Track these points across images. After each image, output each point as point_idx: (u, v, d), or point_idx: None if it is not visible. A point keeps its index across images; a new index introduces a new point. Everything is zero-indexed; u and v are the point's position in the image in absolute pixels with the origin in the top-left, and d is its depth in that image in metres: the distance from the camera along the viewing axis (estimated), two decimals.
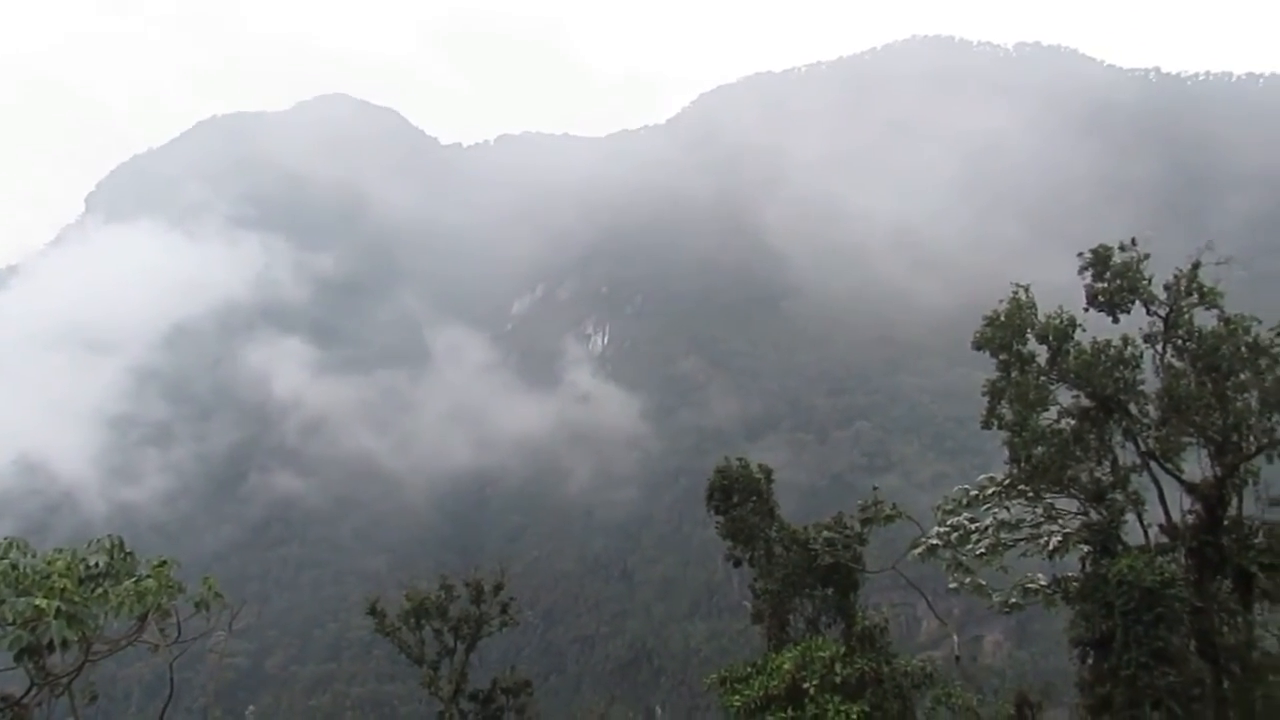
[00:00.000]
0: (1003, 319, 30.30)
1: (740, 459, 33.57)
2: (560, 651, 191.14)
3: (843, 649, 26.89)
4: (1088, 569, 28.61)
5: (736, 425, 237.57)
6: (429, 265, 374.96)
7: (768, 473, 33.17)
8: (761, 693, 25.66)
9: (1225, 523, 27.89)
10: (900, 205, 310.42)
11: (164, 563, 11.92)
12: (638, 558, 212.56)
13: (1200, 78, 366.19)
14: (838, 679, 25.27)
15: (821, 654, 26.07)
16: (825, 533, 30.71)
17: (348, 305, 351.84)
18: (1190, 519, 28.42)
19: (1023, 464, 29.81)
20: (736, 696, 26.10)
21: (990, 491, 31.82)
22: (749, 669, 27.44)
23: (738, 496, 32.36)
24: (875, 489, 33.62)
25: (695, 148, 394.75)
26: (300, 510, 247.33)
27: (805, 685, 25.11)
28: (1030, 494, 30.85)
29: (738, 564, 32.89)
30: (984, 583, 32.28)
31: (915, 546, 32.32)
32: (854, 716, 24.38)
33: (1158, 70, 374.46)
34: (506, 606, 37.77)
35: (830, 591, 30.19)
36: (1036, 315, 30.18)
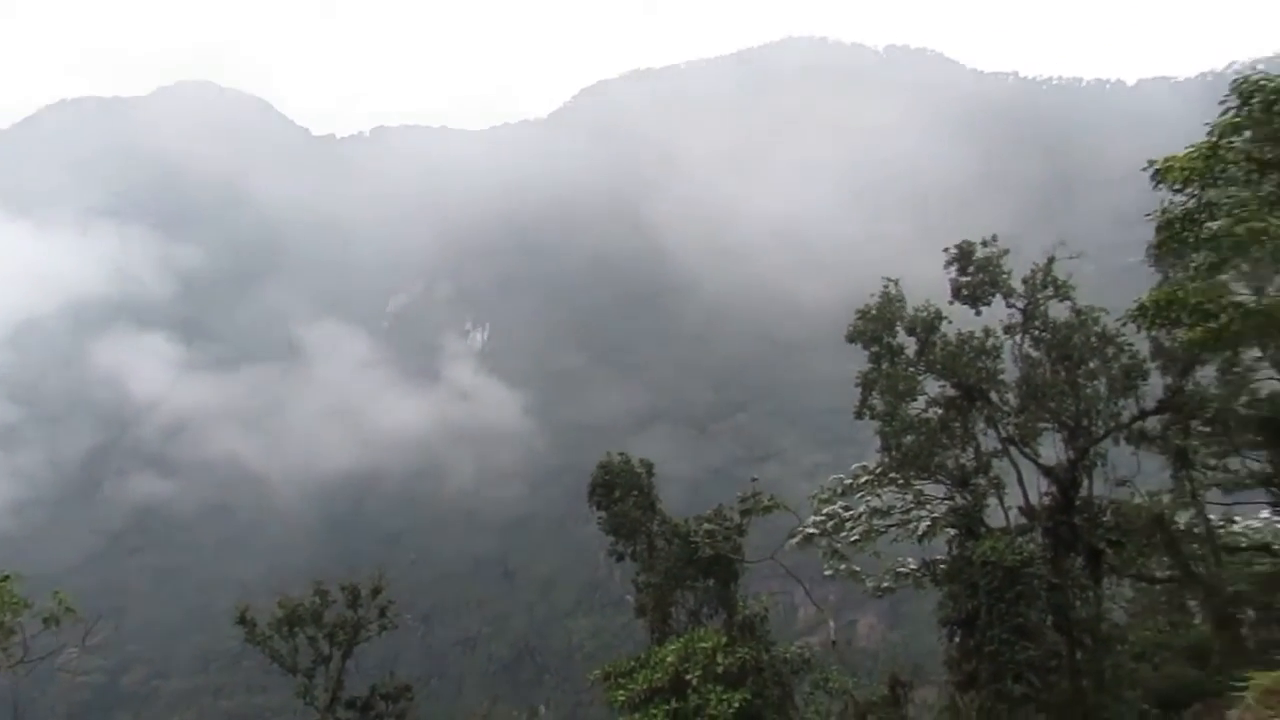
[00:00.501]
0: (874, 312, 31.26)
1: (622, 454, 33.65)
2: (442, 654, 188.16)
3: (724, 639, 27.28)
4: (954, 552, 29.82)
5: (620, 420, 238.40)
6: (304, 259, 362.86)
7: (649, 467, 33.35)
8: (645, 686, 25.80)
9: (1078, 503, 29.50)
10: (786, 201, 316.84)
11: (5, 578, 11.16)
12: (520, 556, 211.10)
13: (1055, 82, 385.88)
14: (720, 669, 25.62)
15: (704, 645, 26.38)
16: (706, 525, 31.08)
17: (216, 301, 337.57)
18: (1046, 500, 29.96)
19: (893, 452, 30.82)
20: (620, 691, 26.18)
21: (863, 480, 32.84)
22: (633, 663, 27.55)
23: (620, 491, 32.43)
24: (754, 480, 34.20)
25: (582, 142, 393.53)
26: (162, 517, 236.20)
27: (688, 677, 25.38)
28: (901, 481, 31.95)
29: (620, 559, 32.97)
30: (858, 568, 33.31)
31: (793, 536, 33.11)
32: (736, 705, 24.77)
33: (1016, 74, 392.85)
34: (385, 610, 36.87)
35: (711, 583, 30.57)
36: (906, 308, 31.24)
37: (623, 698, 26.00)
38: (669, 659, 26.14)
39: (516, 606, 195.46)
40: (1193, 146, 13.85)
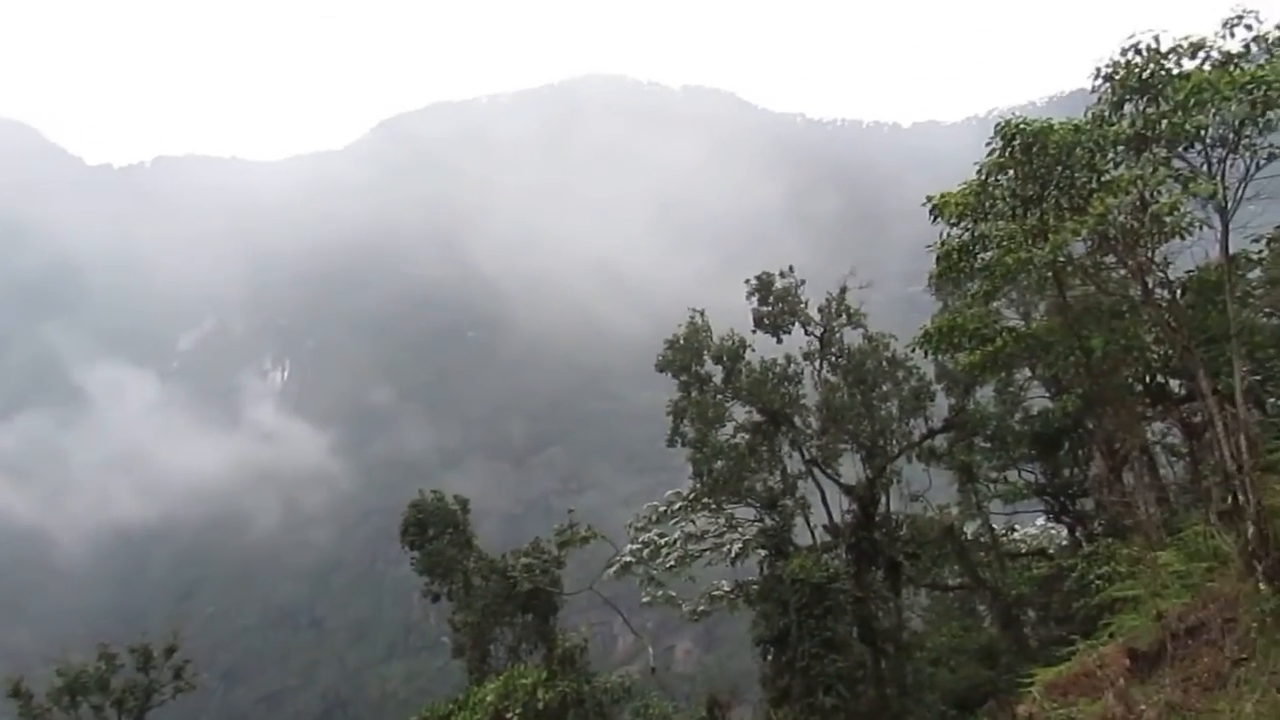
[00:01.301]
0: (681, 342, 32.05)
1: (435, 491, 32.90)
2: (244, 713, 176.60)
3: (544, 674, 26.97)
4: (765, 572, 30.73)
5: (433, 456, 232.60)
6: (80, 299, 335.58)
7: (464, 503, 32.72)
8: None
9: (877, 519, 31.11)
10: (598, 234, 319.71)
11: None
12: (328, 603, 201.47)
13: (839, 123, 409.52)
14: (540, 705, 25.30)
15: (524, 681, 25.99)
16: (524, 559, 30.73)
17: None
18: (848, 518, 31.44)
19: (705, 478, 31.55)
20: None
21: (677, 506, 33.42)
22: (451, 706, 26.81)
23: (434, 529, 31.65)
24: (571, 512, 34.17)
25: (388, 174, 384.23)
26: None
27: (508, 715, 24.92)
28: (713, 506, 32.72)
29: (436, 599, 32.12)
30: (674, 594, 33.78)
31: (610, 565, 33.24)
32: None
33: (804, 115, 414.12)
34: (180, 670, 34.34)
35: (530, 618, 30.21)
36: (712, 338, 32.19)
37: None
38: (488, 699, 25.60)
39: (326, 656, 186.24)
40: (964, 184, 15.04)
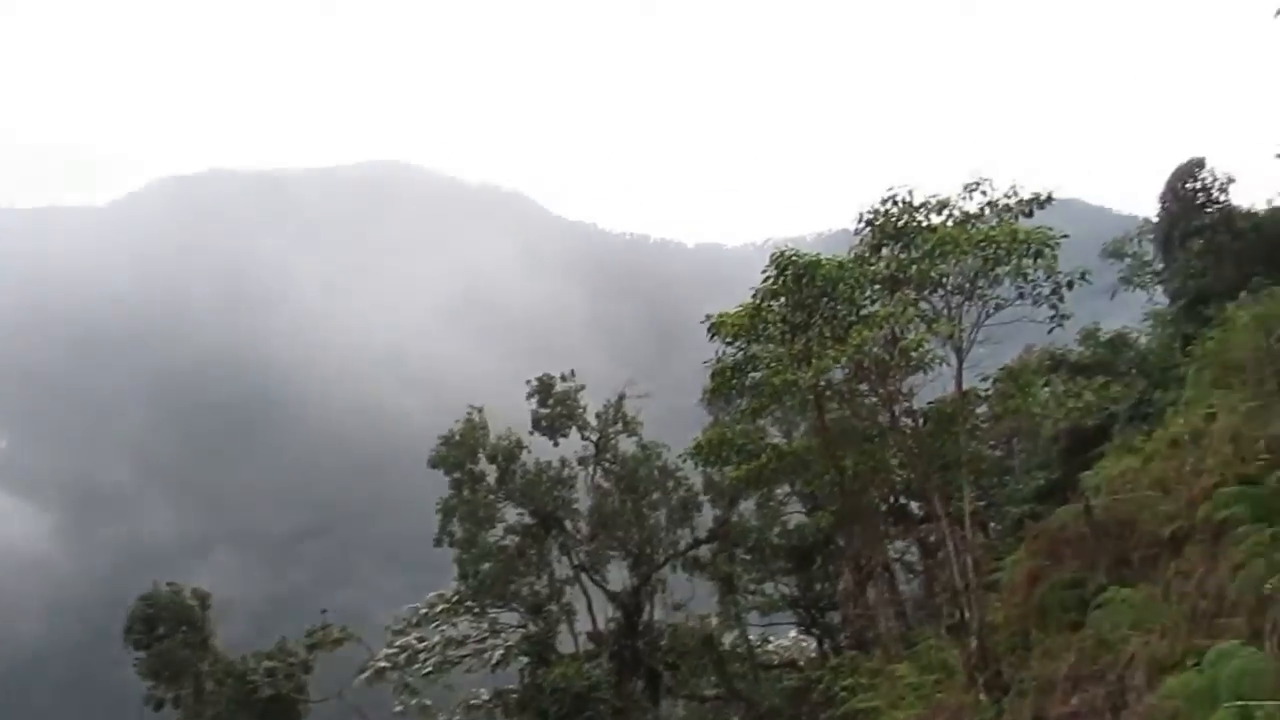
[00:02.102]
0: (457, 439, 31.65)
1: (171, 583, 30.35)
2: None
3: None
4: (526, 680, 30.16)
5: (173, 544, 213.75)
6: None
7: (203, 598, 30.32)
8: None
9: (640, 628, 31.35)
10: (396, 324, 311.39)
11: None
12: (27, 712, 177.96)
13: (628, 237, 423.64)
14: None
15: None
16: (267, 662, 28.69)
17: None
18: (613, 626, 31.52)
19: (471, 579, 30.89)
20: None
21: (439, 609, 32.38)
22: None
23: (165, 626, 29.05)
24: (324, 612, 32.40)
25: (155, 236, 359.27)
26: None
27: None
28: (477, 609, 31.98)
29: (159, 705, 29.19)
30: (429, 702, 32.36)
31: (364, 671, 31.53)
32: None
33: (596, 225, 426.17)
34: None
35: None
36: (489, 436, 32.00)
37: None
38: None
39: None
40: (740, 306, 16.06)
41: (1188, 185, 25.85)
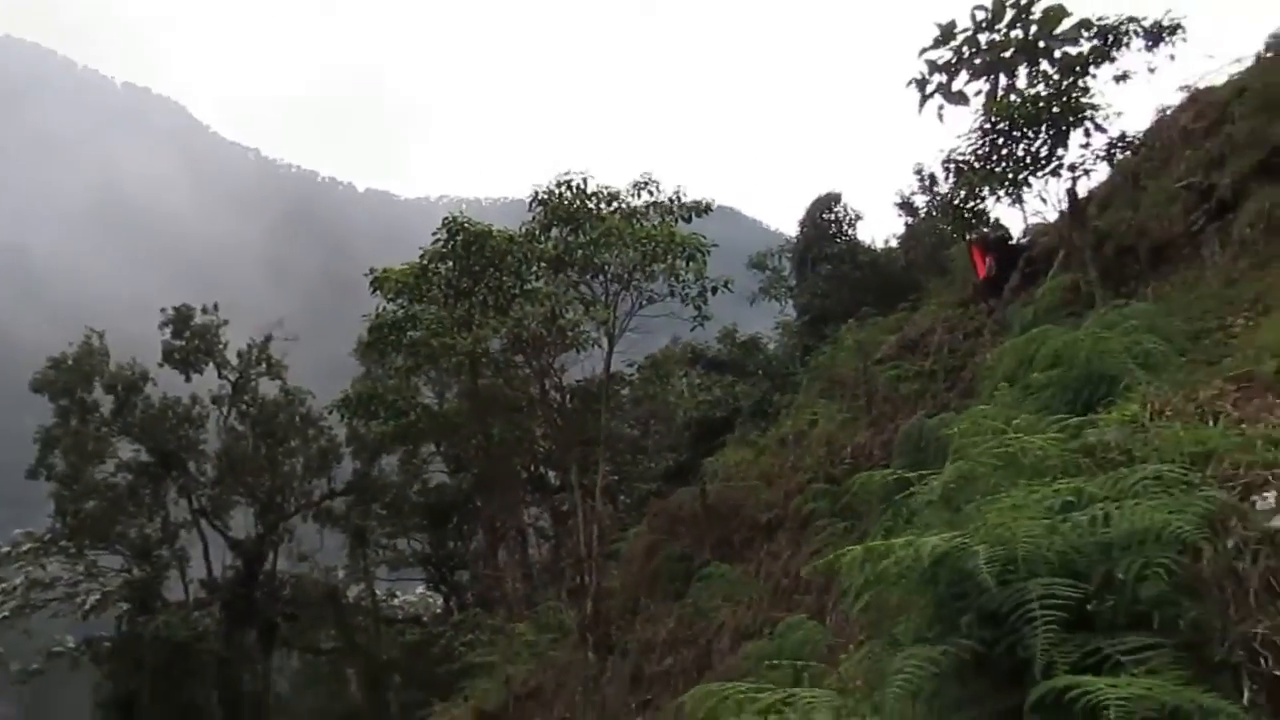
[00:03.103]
0: (70, 363, 28.60)
1: None
2: None
3: None
4: (124, 628, 28.01)
5: None
6: None
7: None
8: None
9: (260, 577, 30.13)
10: (16, 226, 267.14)
11: None
12: None
13: (294, 170, 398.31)
14: None
15: None
16: None
17: None
18: (230, 574, 30.03)
19: (70, 518, 28.14)
20: None
21: (26, 548, 29.05)
22: None
23: None
24: None
25: None
26: None
27: None
28: (73, 550, 29.12)
29: None
30: (2, 649, 29.00)
31: None
32: None
33: (257, 151, 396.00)
34: None
35: None
36: (109, 364, 29.17)
37: None
38: None
39: None
40: (406, 264, 15.96)
41: (824, 215, 28.90)
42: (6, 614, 28.19)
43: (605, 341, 15.68)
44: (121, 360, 29.42)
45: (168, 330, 29.71)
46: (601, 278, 15.43)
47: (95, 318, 31.76)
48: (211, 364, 30.22)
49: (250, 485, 30.39)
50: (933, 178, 18.63)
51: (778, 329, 30.26)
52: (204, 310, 30.19)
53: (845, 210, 27.07)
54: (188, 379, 30.08)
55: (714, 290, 15.10)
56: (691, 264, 14.70)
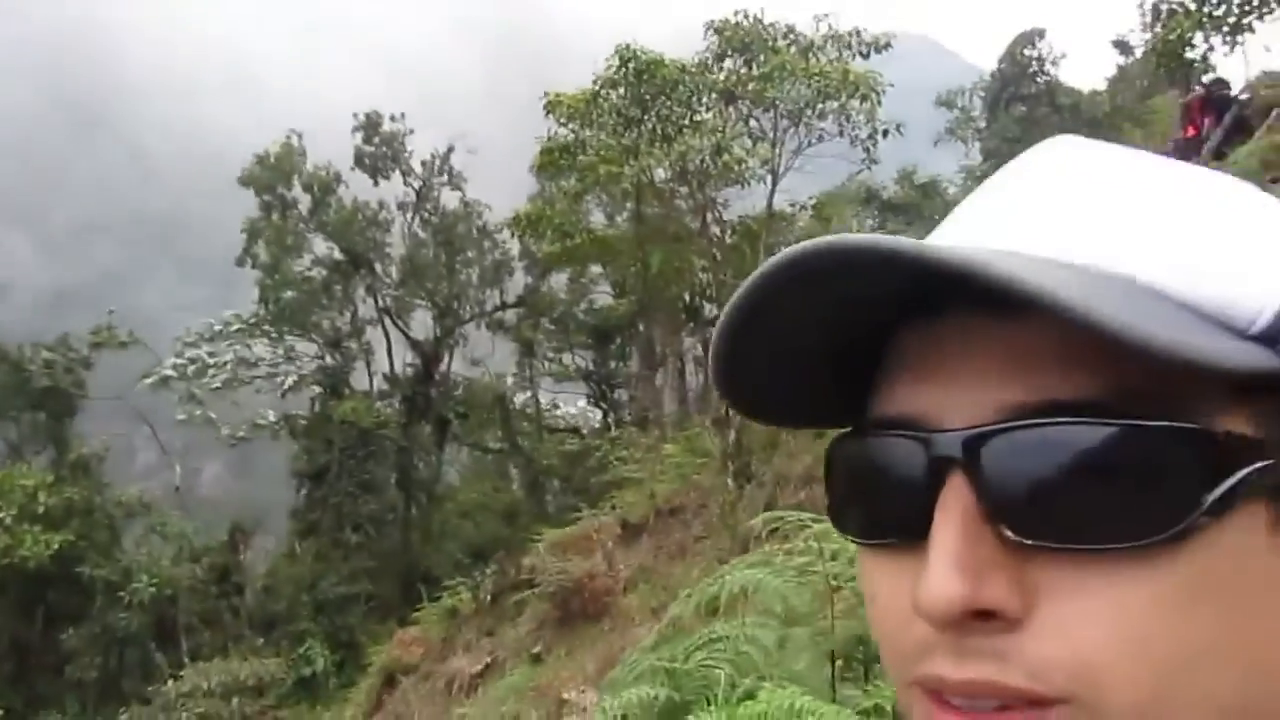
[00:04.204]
0: (273, 161, 30.44)
1: None
2: None
3: (51, 478, 25.07)
4: (316, 409, 30.78)
5: None
6: None
7: None
8: None
9: (436, 377, 32.33)
10: (240, 39, 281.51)
11: None
12: None
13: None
14: (41, 508, 23.59)
15: (25, 482, 23.99)
16: (46, 354, 27.92)
17: None
18: (409, 371, 32.34)
19: (271, 305, 30.63)
20: None
21: (235, 328, 32.03)
22: None
23: None
24: (111, 312, 31.48)
25: None
26: None
27: (1, 515, 22.97)
28: (274, 334, 31.86)
29: None
30: (214, 416, 32.58)
31: (148, 376, 31.18)
32: (55, 546, 23.12)
33: None
34: None
35: (43, 417, 27.70)
36: (307, 163, 30.92)
37: None
38: None
39: None
40: (579, 90, 16.10)
41: (1025, 52, 26.93)
42: (218, 385, 31.52)
43: (769, 180, 15.55)
44: (319, 162, 31.12)
45: (358, 135, 31.09)
46: (772, 113, 15.14)
47: (310, 122, 33.49)
48: (398, 170, 31.56)
49: (430, 290, 32.13)
50: (1156, 11, 16.95)
51: (961, 173, 28.93)
52: (392, 118, 31.34)
53: (1049, 48, 25.07)
54: (375, 183, 31.59)
55: (884, 133, 14.58)
56: (864, 104, 14.18)
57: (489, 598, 17.22)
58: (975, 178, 27.78)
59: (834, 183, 25.05)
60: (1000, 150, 25.60)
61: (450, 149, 31.69)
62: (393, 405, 31.73)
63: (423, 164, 31.55)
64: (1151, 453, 0.44)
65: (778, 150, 14.75)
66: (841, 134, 14.74)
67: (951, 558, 0.45)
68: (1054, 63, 26.82)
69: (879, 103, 14.21)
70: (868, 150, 14.73)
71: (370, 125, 30.87)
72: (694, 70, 15.18)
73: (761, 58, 14.71)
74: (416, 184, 31.69)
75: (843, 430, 0.58)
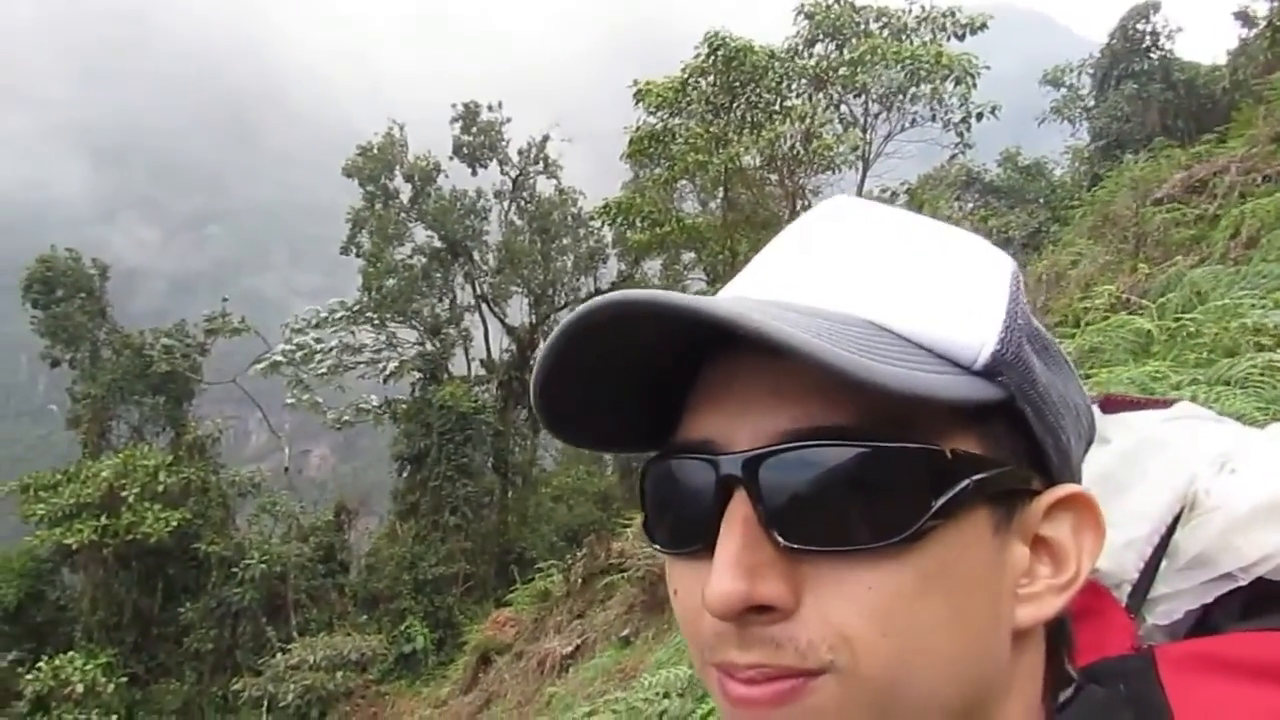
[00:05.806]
0: (375, 151, 31.26)
1: (71, 250, 30.23)
2: None
3: (170, 458, 26.40)
4: (416, 394, 31.59)
5: (83, 204, 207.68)
6: None
7: (103, 269, 30.44)
8: (72, 501, 24.19)
9: (531, 362, 32.80)
10: (362, 36, 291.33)
11: None
12: None
13: None
14: (161, 487, 24.86)
15: (146, 463, 25.31)
16: (165, 339, 29.36)
17: None
18: (506, 357, 32.93)
19: (374, 292, 31.51)
20: (40, 505, 24.24)
21: (339, 315, 33.06)
22: (58, 476, 25.57)
23: (63, 291, 29.23)
24: (225, 300, 32.88)
25: None
26: None
27: (125, 493, 24.29)
28: (377, 321, 32.79)
29: (56, 364, 29.92)
30: (320, 400, 33.75)
31: (259, 361, 32.49)
32: (174, 523, 24.36)
33: None
34: None
35: (162, 400, 29.14)
36: (408, 154, 31.66)
37: (42, 512, 24.12)
38: (104, 474, 24.70)
39: None
40: (668, 78, 16.10)
41: (1138, 26, 25.76)
42: (324, 370, 32.61)
43: (860, 166, 15.30)
44: (419, 152, 31.84)
45: (457, 126, 31.68)
46: (863, 98, 14.88)
47: (422, 112, 34.25)
48: (495, 160, 32.06)
49: (526, 277, 32.62)
50: None
51: (1067, 153, 27.90)
52: (489, 108, 31.84)
53: (1164, 21, 23.93)
54: (474, 173, 32.17)
55: (978, 116, 14.17)
56: (958, 86, 13.81)
57: (579, 580, 17.45)
58: (1083, 158, 26.78)
59: (930, 167, 24.45)
60: (1109, 130, 24.57)
61: (545, 138, 32.05)
62: (490, 390, 32.34)
63: (519, 152, 31.98)
64: (892, 468, 0.57)
65: (868, 135, 14.49)
66: (934, 118, 14.41)
67: (731, 561, 0.57)
68: (1169, 36, 25.59)
69: (974, 85, 13.83)
70: (960, 134, 14.37)
71: (469, 115, 31.43)
72: (783, 56, 15.01)
73: (853, 41, 14.46)
74: (513, 173, 32.15)
75: (653, 454, 0.68)
